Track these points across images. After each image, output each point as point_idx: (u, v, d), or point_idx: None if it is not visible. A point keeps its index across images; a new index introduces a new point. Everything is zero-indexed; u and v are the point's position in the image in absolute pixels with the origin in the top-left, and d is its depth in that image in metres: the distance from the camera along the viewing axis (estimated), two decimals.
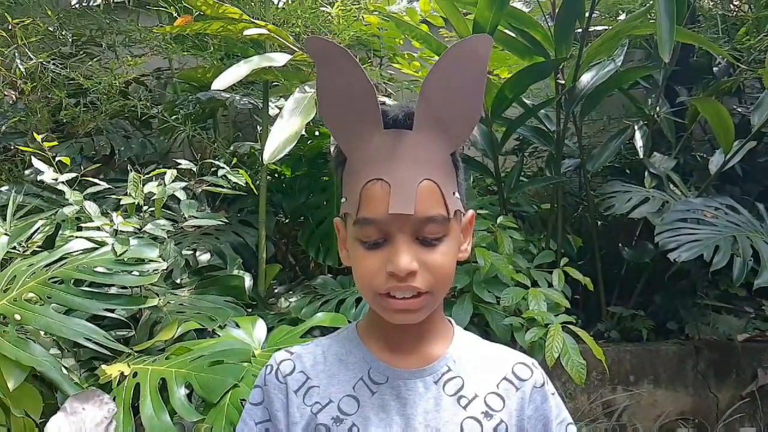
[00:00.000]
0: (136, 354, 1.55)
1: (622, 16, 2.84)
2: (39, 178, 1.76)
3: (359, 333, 0.86)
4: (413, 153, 0.75)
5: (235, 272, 2.05)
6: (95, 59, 2.61)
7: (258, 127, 2.86)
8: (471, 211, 0.83)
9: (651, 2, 2.48)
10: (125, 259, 1.54)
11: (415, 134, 0.76)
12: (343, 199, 0.80)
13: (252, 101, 2.70)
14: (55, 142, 1.92)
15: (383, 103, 0.79)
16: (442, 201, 0.75)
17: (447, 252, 0.76)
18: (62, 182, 1.72)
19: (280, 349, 1.58)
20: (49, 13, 2.45)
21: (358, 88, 0.76)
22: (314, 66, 0.80)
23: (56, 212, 1.75)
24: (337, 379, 0.82)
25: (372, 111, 0.76)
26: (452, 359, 0.83)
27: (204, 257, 2.08)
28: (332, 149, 0.86)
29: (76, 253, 1.54)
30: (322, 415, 0.79)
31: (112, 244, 1.51)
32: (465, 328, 0.90)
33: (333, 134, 0.81)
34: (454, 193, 0.77)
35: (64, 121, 2.66)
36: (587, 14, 2.20)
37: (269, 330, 1.71)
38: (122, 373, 1.43)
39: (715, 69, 2.99)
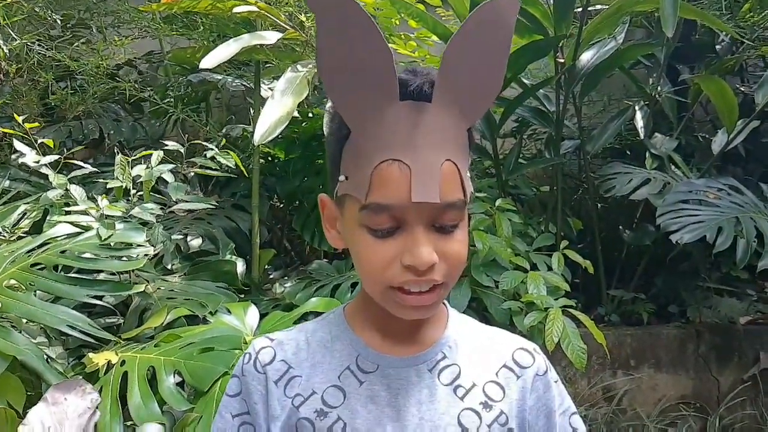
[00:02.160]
0: (124, 342, 1.51)
1: None
2: (21, 161, 1.71)
3: (347, 317, 0.78)
4: (433, 129, 0.66)
5: (228, 257, 2.00)
6: (82, 40, 2.54)
7: (252, 109, 2.80)
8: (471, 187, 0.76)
9: None
10: (111, 244, 1.49)
11: (435, 107, 0.67)
12: (341, 178, 0.70)
13: (245, 83, 2.64)
14: (37, 124, 1.86)
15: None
16: (460, 184, 0.68)
17: (463, 239, 0.69)
18: (45, 165, 1.67)
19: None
20: None
21: (370, 50, 0.65)
22: (310, 40, 0.69)
23: (40, 197, 1.70)
24: (321, 368, 0.75)
25: (388, 79, 0.65)
26: (447, 345, 0.76)
27: (195, 242, 2.03)
28: (326, 121, 0.75)
29: (60, 238, 1.49)
30: (305, 408, 0.73)
31: (97, 228, 1.46)
32: (463, 313, 0.83)
33: (336, 104, 0.69)
34: (467, 172, 0.70)
35: (53, 104, 2.60)
36: None
37: (262, 316, 1.67)
38: (110, 362, 1.39)
39: (717, 47, 2.93)
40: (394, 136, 0.66)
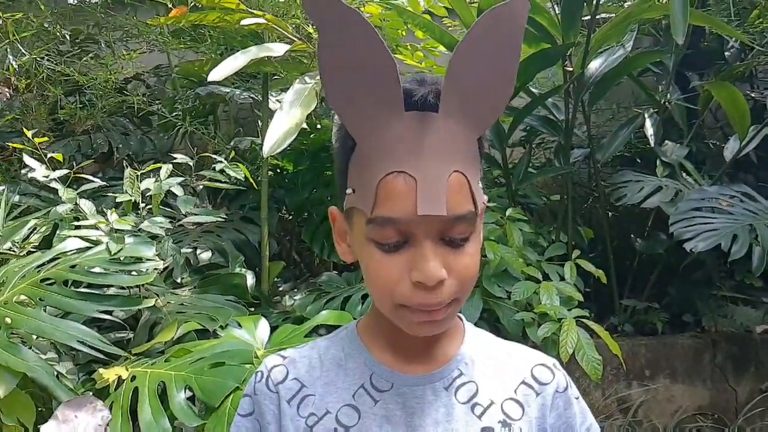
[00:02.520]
0: (134, 357, 1.50)
1: (629, 2, 2.77)
2: (30, 175, 1.70)
3: (360, 333, 0.76)
4: (440, 140, 0.64)
5: (237, 270, 1.99)
6: (91, 55, 2.56)
7: (260, 122, 2.80)
8: (485, 197, 0.73)
9: None
10: (121, 259, 1.48)
11: (441, 117, 0.64)
12: (349, 191, 0.68)
13: (252, 96, 2.64)
14: (46, 138, 1.86)
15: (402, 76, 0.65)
16: (470, 196, 0.65)
17: (474, 253, 0.67)
18: (55, 180, 1.66)
19: (281, 350, 1.54)
20: (42, 8, 2.39)
21: (374, 60, 0.63)
22: (318, 51, 0.66)
23: (49, 211, 1.70)
24: (335, 387, 0.73)
25: (392, 89, 0.63)
26: (464, 361, 0.74)
27: (205, 255, 2.02)
28: (334, 132, 0.74)
29: (70, 253, 1.48)
30: (319, 429, 0.70)
31: (107, 243, 1.45)
32: (475, 325, 0.81)
33: (340, 116, 0.67)
34: (478, 183, 0.68)
35: (62, 119, 2.61)
36: None
37: (273, 329, 1.66)
38: (120, 377, 1.38)
39: (726, 54, 2.91)
40: (399, 147, 0.64)
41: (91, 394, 1.29)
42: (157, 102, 2.59)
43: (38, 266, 1.45)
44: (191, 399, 1.37)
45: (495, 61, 0.65)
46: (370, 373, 0.73)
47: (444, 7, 2.57)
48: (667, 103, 2.71)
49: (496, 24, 0.65)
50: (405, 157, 0.63)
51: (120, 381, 1.38)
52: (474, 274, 0.67)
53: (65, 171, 1.72)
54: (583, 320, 1.84)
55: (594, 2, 2.13)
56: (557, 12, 2.15)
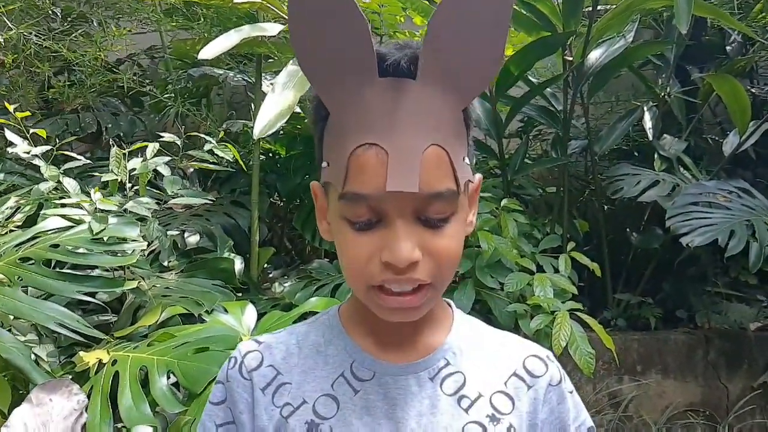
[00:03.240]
0: (116, 340, 1.46)
1: None
2: (11, 150, 1.65)
3: (341, 318, 0.71)
4: (417, 110, 0.59)
5: (226, 255, 1.95)
6: (81, 32, 2.50)
7: (253, 105, 2.75)
8: (479, 176, 0.69)
9: None
10: (104, 239, 1.44)
11: (419, 85, 0.60)
12: (324, 164, 0.64)
13: (246, 78, 2.59)
14: (28, 113, 1.80)
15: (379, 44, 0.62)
16: (451, 172, 0.60)
17: (454, 234, 0.62)
18: (37, 156, 1.61)
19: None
20: None
21: (345, 24, 0.59)
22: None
23: (31, 189, 1.65)
24: (313, 375, 0.68)
25: (365, 53, 0.59)
26: (451, 351, 0.69)
27: (193, 239, 1.98)
28: (311, 102, 0.69)
29: (51, 232, 1.44)
30: (294, 419, 0.66)
31: (89, 222, 1.41)
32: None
33: (312, 83, 0.63)
34: (463, 159, 0.62)
35: (51, 97, 2.55)
36: None
37: (261, 316, 1.62)
38: (101, 361, 1.34)
39: (728, 48, 2.87)
40: (371, 117, 0.59)
41: (69, 377, 1.25)
42: (149, 82, 2.54)
43: (17, 245, 1.40)
44: (174, 385, 1.34)
45: (480, 26, 0.60)
46: (350, 361, 0.68)
47: None
48: (666, 97, 2.68)
49: None
50: (378, 128, 0.59)
51: (101, 365, 1.34)
52: (453, 258, 0.63)
53: (47, 147, 1.66)
54: (577, 313, 1.81)
55: None
56: (559, 0, 2.11)
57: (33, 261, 1.36)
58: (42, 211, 1.69)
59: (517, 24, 2.19)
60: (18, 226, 1.67)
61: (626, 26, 2.39)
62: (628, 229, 2.59)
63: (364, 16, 0.59)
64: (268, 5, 1.87)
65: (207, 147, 1.77)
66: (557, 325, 1.72)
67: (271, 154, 2.58)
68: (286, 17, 1.90)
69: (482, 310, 1.92)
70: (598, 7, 2.15)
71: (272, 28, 1.78)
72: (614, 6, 2.29)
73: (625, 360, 2.22)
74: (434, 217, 0.60)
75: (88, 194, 1.58)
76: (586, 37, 2.14)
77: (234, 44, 1.69)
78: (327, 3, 0.59)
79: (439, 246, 0.61)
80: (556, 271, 2.00)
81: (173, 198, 1.71)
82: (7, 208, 1.60)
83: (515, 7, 2.15)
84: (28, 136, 1.67)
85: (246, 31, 1.74)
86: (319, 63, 0.61)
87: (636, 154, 2.82)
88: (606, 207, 2.65)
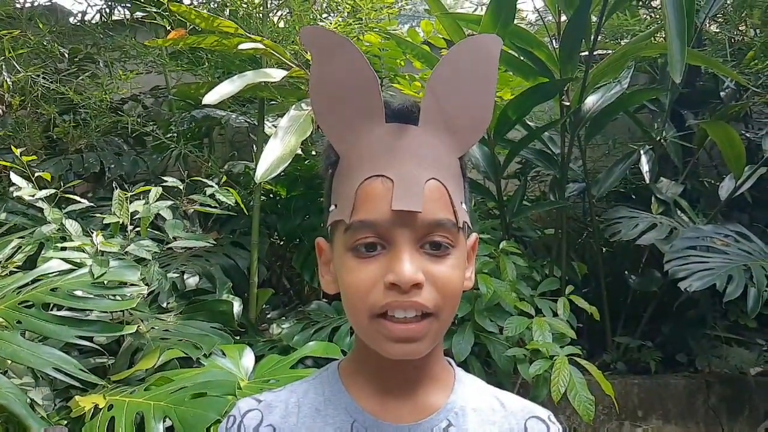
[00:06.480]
0: (113, 384, 1.45)
1: (626, 40, 2.79)
2: (15, 194, 1.67)
3: (341, 375, 0.71)
4: (419, 150, 0.65)
5: (225, 296, 1.95)
6: (88, 74, 2.55)
7: (255, 146, 2.79)
8: (475, 234, 0.71)
9: (658, 25, 2.43)
10: (105, 282, 1.44)
11: (421, 130, 0.66)
12: (332, 207, 0.67)
13: (248, 120, 2.63)
14: (34, 157, 1.83)
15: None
16: (450, 206, 0.64)
17: (456, 266, 0.64)
18: (41, 199, 1.63)
19: (266, 381, 1.49)
20: (41, 26, 2.39)
21: (357, 77, 0.66)
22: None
23: (34, 230, 1.66)
24: None
25: (373, 101, 0.66)
26: (454, 411, 0.68)
27: (192, 280, 1.99)
28: (322, 155, 0.74)
29: (52, 274, 1.44)
30: None
31: (90, 265, 1.42)
32: (465, 359, 0.76)
33: (324, 130, 0.69)
34: (462, 203, 0.66)
35: (56, 137, 2.59)
36: (593, 35, 2.14)
37: (258, 358, 1.62)
38: (97, 406, 1.33)
39: (722, 93, 2.93)
40: (378, 154, 0.65)
41: (65, 423, 1.24)
42: (152, 123, 2.58)
43: (18, 288, 1.41)
44: (170, 430, 1.32)
45: (470, 86, 0.68)
46: (351, 421, 0.68)
47: (443, 38, 2.59)
48: (662, 140, 2.71)
49: (472, 53, 0.69)
50: (383, 161, 0.64)
51: (97, 410, 1.33)
52: (456, 289, 0.65)
53: (51, 191, 1.68)
54: (576, 358, 1.80)
55: (592, 38, 2.14)
56: (555, 47, 2.16)
57: (32, 304, 1.36)
58: (43, 253, 1.69)
59: (516, 70, 2.24)
60: (18, 267, 1.68)
61: (622, 72, 2.44)
62: (626, 272, 2.59)
63: (373, 71, 0.67)
64: (272, 51, 1.91)
65: (209, 191, 1.79)
66: (556, 371, 1.71)
67: (272, 195, 2.60)
68: (289, 63, 1.95)
69: (481, 354, 1.91)
70: (594, 53, 2.20)
71: (276, 74, 1.82)
72: (610, 52, 2.35)
73: (626, 405, 2.20)
74: (436, 241, 0.63)
75: (89, 235, 1.59)
76: (582, 82, 2.18)
77: (238, 89, 1.73)
78: (343, 65, 0.67)
79: (442, 273, 0.63)
80: (555, 314, 2.00)
81: (174, 241, 1.72)
82: (8, 248, 1.60)
83: (514, 53, 2.21)
84: (33, 178, 1.69)
85: (250, 77, 1.78)
86: (332, 112, 0.68)
87: (633, 196, 2.84)
88: (604, 249, 2.66)
